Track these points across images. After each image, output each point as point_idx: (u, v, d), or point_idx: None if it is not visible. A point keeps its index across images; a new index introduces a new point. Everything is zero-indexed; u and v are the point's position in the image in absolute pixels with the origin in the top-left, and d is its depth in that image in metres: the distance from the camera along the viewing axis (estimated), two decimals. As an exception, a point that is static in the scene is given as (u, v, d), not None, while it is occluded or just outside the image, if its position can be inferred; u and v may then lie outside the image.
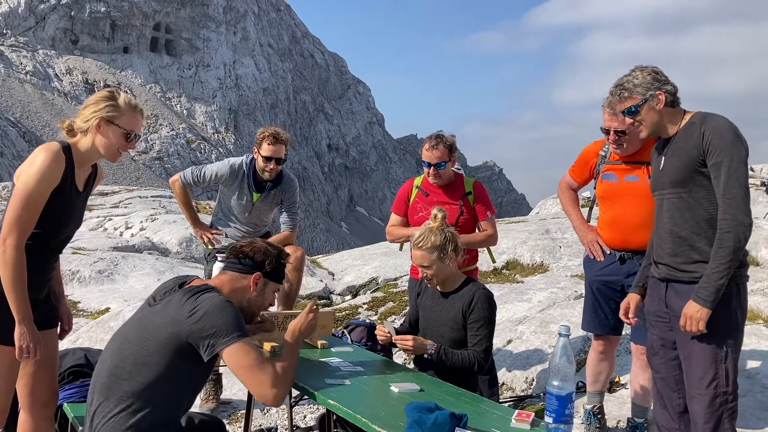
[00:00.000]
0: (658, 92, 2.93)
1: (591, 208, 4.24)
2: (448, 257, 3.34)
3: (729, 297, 2.83)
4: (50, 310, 3.06)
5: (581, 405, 4.16)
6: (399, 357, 5.66)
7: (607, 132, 3.70)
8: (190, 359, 2.62)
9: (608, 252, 3.84)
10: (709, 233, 2.86)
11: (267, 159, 4.60)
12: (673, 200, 2.97)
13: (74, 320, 8.46)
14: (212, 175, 4.75)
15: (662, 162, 3.02)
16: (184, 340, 2.61)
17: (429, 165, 4.27)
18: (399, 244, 4.82)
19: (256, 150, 4.69)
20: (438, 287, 3.46)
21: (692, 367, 2.90)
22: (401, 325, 3.70)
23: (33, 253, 2.79)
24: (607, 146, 3.83)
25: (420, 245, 3.34)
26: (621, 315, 3.32)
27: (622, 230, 3.75)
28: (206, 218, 5.15)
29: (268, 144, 4.59)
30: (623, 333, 4.07)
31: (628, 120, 3.05)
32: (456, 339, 3.34)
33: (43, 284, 2.95)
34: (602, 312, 3.89)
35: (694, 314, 2.79)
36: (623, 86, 3.01)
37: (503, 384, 4.96)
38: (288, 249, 4.63)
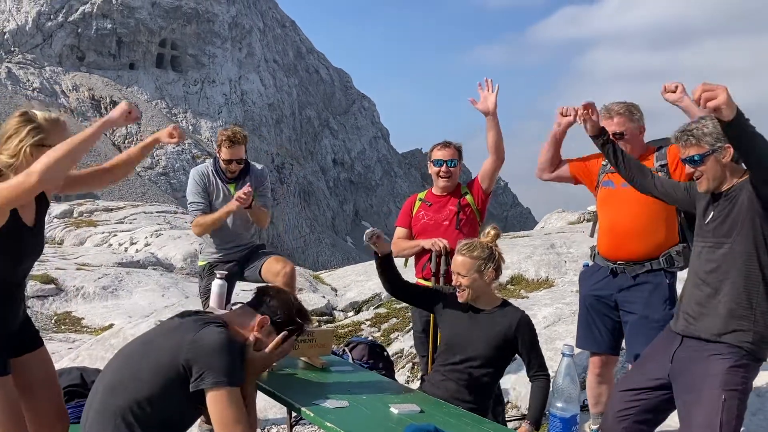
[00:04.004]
0: (727, 145, 2.78)
1: (594, 223, 4.19)
2: (487, 273, 3.28)
3: (747, 379, 2.76)
4: (29, 333, 2.96)
5: (587, 426, 4.09)
6: (401, 375, 5.59)
7: None
8: (182, 387, 2.56)
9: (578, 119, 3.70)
10: (741, 295, 2.78)
11: (227, 161, 4.72)
12: (711, 248, 2.88)
13: (77, 337, 8.38)
14: (197, 192, 4.77)
15: (710, 216, 2.91)
16: (180, 364, 2.56)
17: (441, 163, 4.28)
18: (404, 260, 4.77)
19: (218, 150, 4.81)
20: (470, 302, 3.37)
21: (694, 415, 2.81)
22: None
23: None
24: None
25: (464, 252, 3.31)
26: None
27: (616, 236, 3.74)
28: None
29: (226, 147, 4.72)
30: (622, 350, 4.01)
31: (690, 152, 2.87)
32: (490, 357, 3.27)
33: (14, 314, 2.86)
34: (596, 329, 3.85)
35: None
36: (691, 133, 2.85)
37: (508, 402, 4.89)
38: (277, 265, 4.62)
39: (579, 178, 4.02)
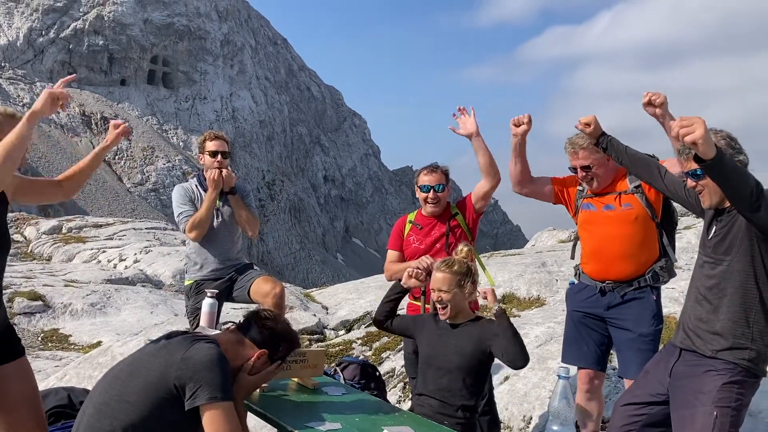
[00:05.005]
0: None
1: (574, 245, 4.22)
2: (466, 287, 3.38)
3: (742, 395, 2.75)
4: (7, 341, 2.88)
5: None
6: (393, 395, 5.55)
7: (575, 170, 3.81)
8: (174, 407, 2.51)
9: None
10: (738, 312, 2.80)
11: (213, 154, 4.74)
12: (711, 264, 2.90)
13: (65, 354, 8.27)
14: (183, 202, 4.76)
15: (712, 231, 2.92)
16: (171, 384, 2.51)
17: (428, 188, 4.26)
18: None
19: (201, 156, 4.83)
20: (448, 319, 3.42)
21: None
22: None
23: None
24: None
25: (443, 269, 3.41)
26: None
27: (603, 260, 3.79)
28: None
29: (211, 140, 4.79)
30: (611, 369, 4.01)
31: (683, 166, 2.85)
32: (466, 367, 3.27)
33: None
34: (584, 344, 3.88)
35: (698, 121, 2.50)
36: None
37: (501, 422, 4.85)
38: (266, 285, 4.56)
39: (560, 197, 4.08)
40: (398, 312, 3.85)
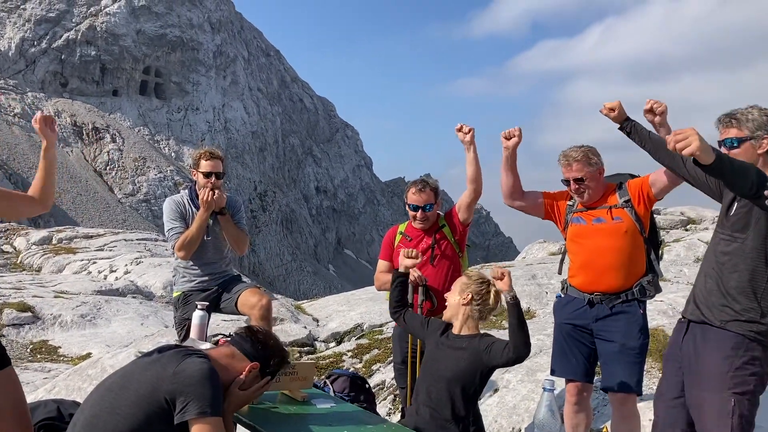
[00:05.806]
0: (767, 136, 2.85)
1: (562, 260, 4.27)
2: (464, 294, 3.34)
3: (756, 375, 2.80)
4: None
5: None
6: (382, 408, 5.56)
7: (567, 183, 3.87)
8: (164, 421, 2.53)
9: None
10: (747, 288, 2.86)
11: (207, 175, 4.72)
12: (726, 240, 2.96)
13: (54, 366, 8.22)
14: (174, 218, 4.76)
15: (734, 208, 2.98)
16: (162, 397, 2.53)
17: (417, 208, 4.29)
18: (387, 294, 4.78)
19: (194, 171, 4.81)
20: (451, 332, 3.44)
21: (704, 419, 2.84)
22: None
23: None
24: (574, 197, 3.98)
25: (467, 274, 3.44)
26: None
27: (593, 272, 3.84)
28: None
29: (206, 160, 4.75)
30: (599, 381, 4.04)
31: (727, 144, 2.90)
32: (455, 378, 3.26)
33: None
34: (573, 357, 3.92)
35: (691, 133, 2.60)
36: (734, 116, 2.94)
37: (490, 434, 4.86)
38: (253, 297, 4.59)
39: (549, 211, 4.12)
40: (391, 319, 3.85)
